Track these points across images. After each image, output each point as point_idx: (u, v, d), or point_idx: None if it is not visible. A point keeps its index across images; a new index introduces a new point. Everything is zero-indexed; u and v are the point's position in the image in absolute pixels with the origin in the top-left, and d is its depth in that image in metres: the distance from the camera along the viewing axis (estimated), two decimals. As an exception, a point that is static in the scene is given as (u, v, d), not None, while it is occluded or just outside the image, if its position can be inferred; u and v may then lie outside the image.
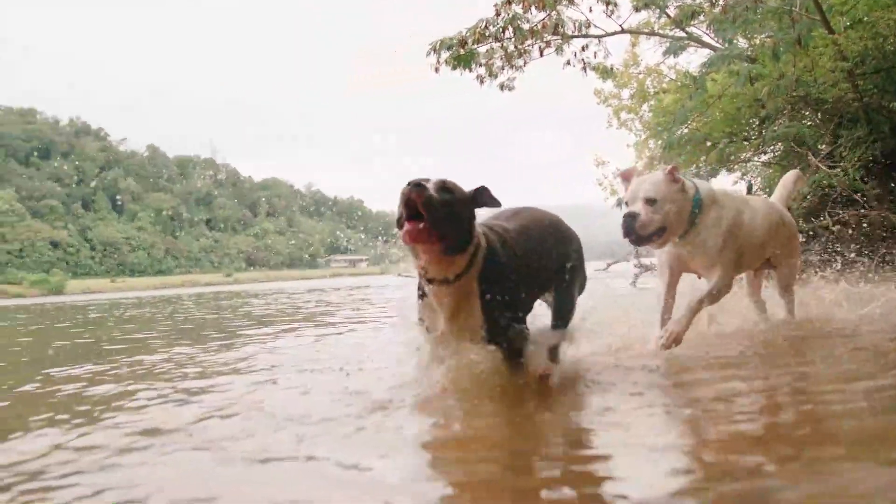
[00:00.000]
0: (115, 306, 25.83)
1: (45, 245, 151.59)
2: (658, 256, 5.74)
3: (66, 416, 4.17)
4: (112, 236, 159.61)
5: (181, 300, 28.58)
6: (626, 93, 25.34)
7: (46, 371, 6.51)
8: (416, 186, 3.56)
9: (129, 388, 5.14)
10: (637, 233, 5.18)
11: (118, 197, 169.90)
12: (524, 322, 4.16)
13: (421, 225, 3.57)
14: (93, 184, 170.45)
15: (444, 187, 3.72)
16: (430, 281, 3.90)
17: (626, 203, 5.29)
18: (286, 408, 3.95)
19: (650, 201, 5.16)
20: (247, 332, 9.80)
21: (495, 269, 3.97)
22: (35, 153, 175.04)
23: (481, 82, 16.80)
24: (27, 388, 5.56)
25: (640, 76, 24.53)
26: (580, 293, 5.01)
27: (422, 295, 4.10)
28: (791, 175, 6.83)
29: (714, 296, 5.35)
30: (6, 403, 4.84)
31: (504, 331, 3.99)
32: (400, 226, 3.67)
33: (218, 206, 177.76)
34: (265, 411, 3.92)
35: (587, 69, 17.34)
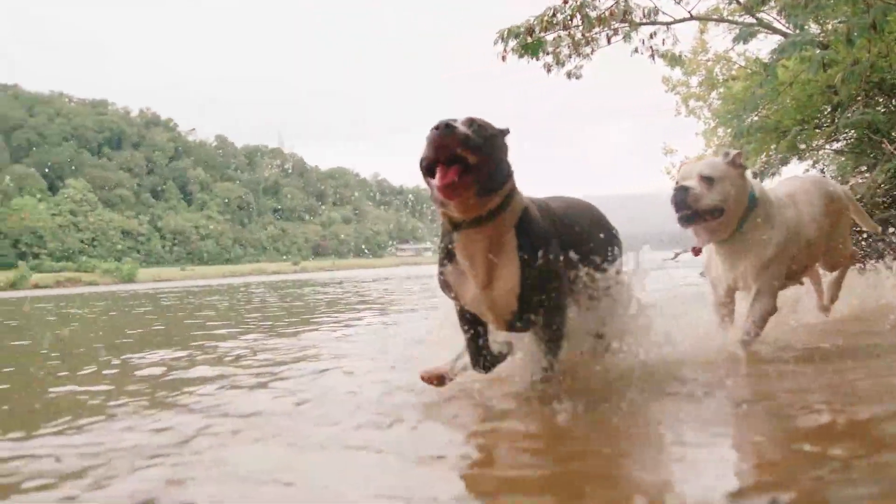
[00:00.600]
0: (187, 294, 26.34)
1: (117, 234, 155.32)
2: (705, 265, 5.19)
3: (144, 402, 4.27)
4: (181, 225, 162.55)
5: (250, 288, 29.01)
6: (694, 80, 24.88)
7: (125, 356, 6.68)
8: (448, 128, 3.10)
9: (206, 373, 5.25)
10: (690, 205, 4.64)
11: (187, 186, 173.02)
12: (564, 311, 3.68)
13: (458, 175, 3.13)
14: (163, 173, 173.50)
15: (475, 122, 3.28)
16: (456, 227, 3.41)
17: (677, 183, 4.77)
18: (351, 396, 3.98)
19: (707, 179, 4.67)
20: (316, 320, 9.93)
21: (533, 223, 3.51)
22: (107, 144, 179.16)
23: (548, 71, 16.68)
24: (107, 372, 5.70)
25: (709, 63, 24.08)
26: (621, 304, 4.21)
27: (447, 258, 3.60)
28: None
29: (760, 325, 4.74)
30: (87, 388, 4.96)
31: (542, 305, 3.52)
32: (430, 174, 3.22)
33: (285, 196, 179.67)
34: (335, 399, 3.96)
35: (655, 57, 17.10)
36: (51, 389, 4.97)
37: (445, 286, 3.68)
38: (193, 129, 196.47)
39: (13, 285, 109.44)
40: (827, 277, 6.03)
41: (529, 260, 3.41)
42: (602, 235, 4.19)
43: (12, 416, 4.15)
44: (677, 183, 4.75)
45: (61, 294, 47.58)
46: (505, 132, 3.47)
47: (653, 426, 3.17)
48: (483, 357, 3.79)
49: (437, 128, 3.12)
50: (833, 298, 5.90)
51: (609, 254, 4.11)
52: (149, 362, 6.14)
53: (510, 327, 3.68)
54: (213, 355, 6.39)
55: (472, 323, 3.77)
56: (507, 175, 3.41)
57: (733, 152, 4.85)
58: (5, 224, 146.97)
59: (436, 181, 3.15)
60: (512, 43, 16.02)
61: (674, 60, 17.54)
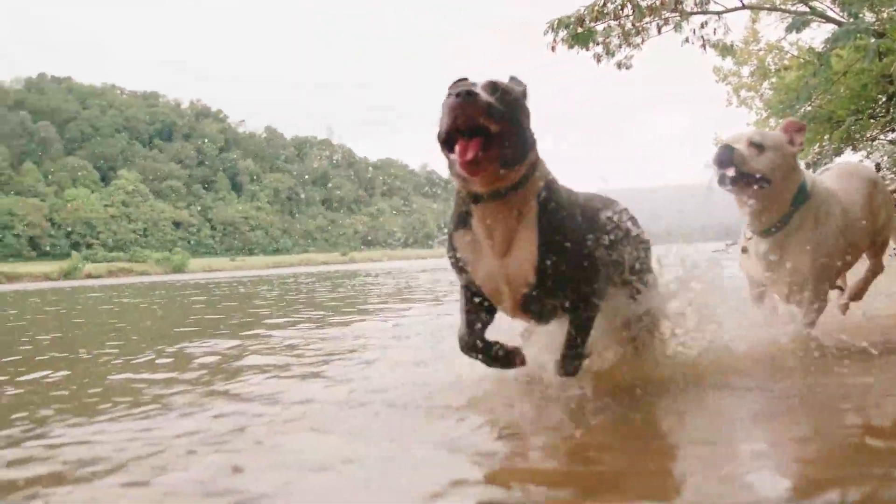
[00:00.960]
0: (237, 284, 26.61)
1: (168, 224, 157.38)
2: (741, 261, 4.84)
3: (200, 390, 4.33)
4: (231, 216, 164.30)
5: (299, 279, 29.22)
6: (745, 70, 24.63)
7: (180, 345, 6.78)
8: (469, 95, 2.81)
9: (259, 362, 5.30)
10: (735, 163, 4.31)
11: (237, 177, 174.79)
12: (594, 291, 3.33)
13: (481, 148, 2.86)
14: (213, 165, 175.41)
15: (498, 87, 2.98)
16: (476, 199, 3.12)
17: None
18: (400, 387, 3.97)
19: (756, 145, 4.36)
20: (366, 310, 10.00)
21: (557, 194, 3.21)
22: (157, 135, 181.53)
23: (598, 61, 16.65)
24: (162, 361, 5.79)
25: (761, 53, 23.79)
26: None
27: (461, 223, 3.27)
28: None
29: (811, 327, 4.43)
30: (143, 376, 5.04)
31: (565, 282, 3.20)
32: (448, 147, 2.97)
33: (334, 187, 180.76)
34: (384, 389, 3.96)
35: (706, 46, 16.93)
36: (108, 377, 5.06)
37: (457, 261, 3.32)
38: (243, 120, 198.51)
39: (67, 275, 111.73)
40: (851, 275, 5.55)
41: (551, 230, 3.11)
42: (629, 233, 3.74)
43: (72, 402, 4.21)
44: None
45: (114, 284, 48.31)
46: (525, 92, 3.20)
47: (704, 422, 3.13)
48: (475, 340, 3.37)
49: (456, 94, 2.82)
50: (858, 296, 5.42)
51: (634, 248, 3.74)
52: (203, 351, 6.22)
53: (526, 309, 3.31)
54: (265, 345, 6.45)
55: (475, 307, 3.42)
56: (532, 143, 3.12)
57: (793, 121, 4.55)
58: (59, 215, 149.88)
59: (456, 156, 2.87)
60: (562, 33, 15.98)
61: (725, 50, 17.35)
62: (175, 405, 3.87)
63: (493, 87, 2.97)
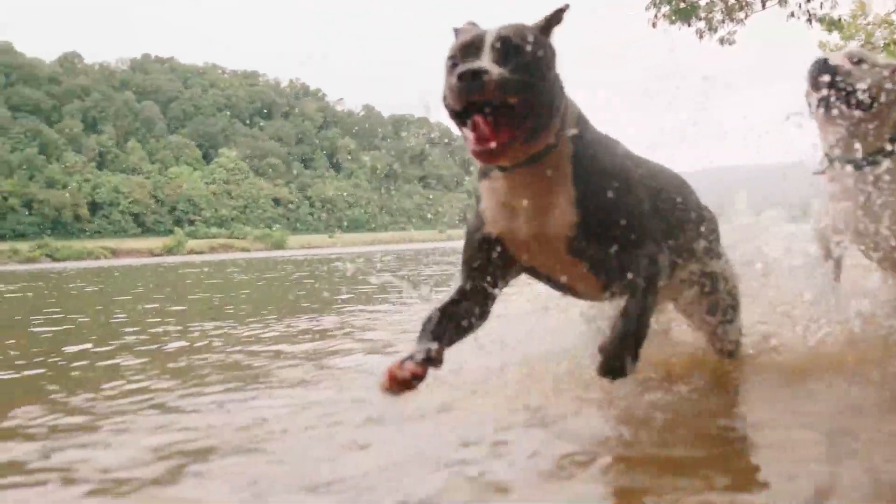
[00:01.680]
0: (334, 260, 26.86)
1: (268, 202, 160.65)
2: (817, 216, 4.07)
3: (309, 366, 4.29)
4: (329, 193, 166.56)
5: (404, 255, 29.36)
6: (853, 45, 23.73)
7: (288, 319, 6.80)
8: (476, 77, 2.35)
9: (383, 337, 5.34)
10: (834, 69, 3.70)
11: (335, 155, 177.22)
12: (651, 245, 2.74)
13: (497, 129, 2.44)
14: (311, 143, 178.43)
15: (511, 44, 2.49)
16: (502, 168, 2.68)
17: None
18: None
19: (856, 60, 3.77)
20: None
21: (596, 145, 2.78)
22: (258, 114, 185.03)
23: (700, 37, 16.18)
24: (269, 333, 5.82)
25: (870, 27, 22.86)
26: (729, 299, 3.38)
27: (484, 174, 2.81)
28: None
29: None
30: (247, 350, 5.05)
31: (612, 241, 2.68)
32: (461, 120, 2.51)
33: (431, 164, 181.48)
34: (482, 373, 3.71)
35: (812, 21, 16.30)
36: (228, 349, 5.13)
37: (479, 215, 2.83)
38: (341, 98, 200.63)
39: (170, 251, 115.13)
40: None
41: (589, 183, 2.68)
42: (690, 206, 3.26)
43: (191, 374, 4.23)
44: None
45: (216, 259, 49.48)
46: (551, 24, 2.67)
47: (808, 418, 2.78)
48: (435, 314, 2.78)
49: (460, 77, 2.36)
50: None
51: (699, 225, 3.26)
52: (320, 327, 6.24)
53: (578, 254, 2.74)
54: (383, 320, 6.47)
55: (472, 284, 2.87)
56: (559, 98, 2.62)
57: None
58: (163, 192, 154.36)
59: (469, 141, 2.46)
60: (664, 9, 15.59)
61: (832, 25, 16.72)
62: (275, 388, 3.83)
63: (505, 45, 2.48)
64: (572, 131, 2.69)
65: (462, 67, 2.38)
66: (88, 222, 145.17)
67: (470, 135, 2.45)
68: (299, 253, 58.04)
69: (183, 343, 5.62)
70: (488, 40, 2.50)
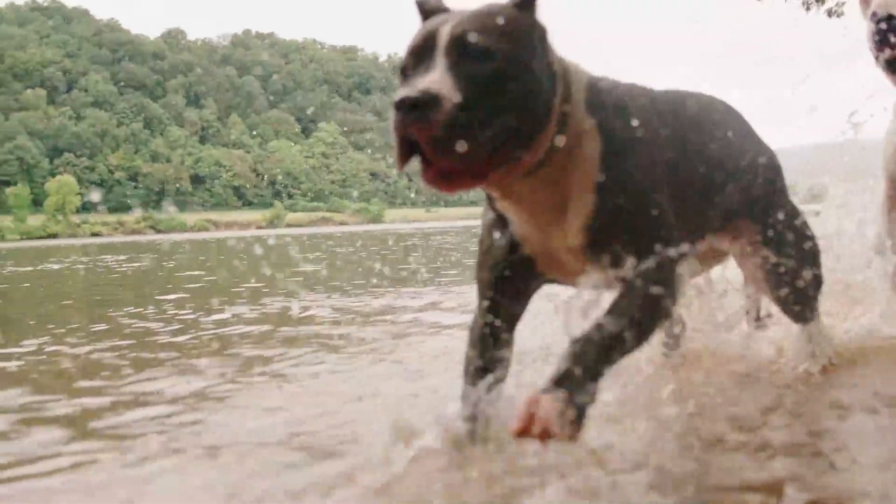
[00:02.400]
0: (433, 234, 26.88)
1: (366, 175, 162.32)
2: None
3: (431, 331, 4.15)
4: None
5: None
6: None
7: (404, 289, 6.67)
8: (414, 110, 1.77)
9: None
10: None
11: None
12: (669, 243, 2.10)
13: (453, 162, 1.82)
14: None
15: (475, 47, 1.85)
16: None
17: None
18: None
19: None
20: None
21: (614, 125, 2.13)
22: (356, 88, 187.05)
23: (808, 9, 15.47)
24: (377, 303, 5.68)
25: None
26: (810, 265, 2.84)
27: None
28: None
29: None
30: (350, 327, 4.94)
31: (629, 239, 2.08)
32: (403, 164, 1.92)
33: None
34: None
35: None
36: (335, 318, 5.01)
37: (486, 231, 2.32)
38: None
39: (270, 223, 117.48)
40: None
41: (614, 177, 2.09)
42: (746, 148, 2.74)
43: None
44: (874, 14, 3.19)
45: (315, 233, 50.28)
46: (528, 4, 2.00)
47: None
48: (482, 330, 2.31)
49: (398, 105, 1.79)
50: None
51: (761, 177, 2.76)
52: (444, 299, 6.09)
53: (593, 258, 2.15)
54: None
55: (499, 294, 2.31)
56: (550, 96, 2.00)
57: None
58: (263, 166, 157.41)
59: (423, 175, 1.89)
60: (770, -19, 14.96)
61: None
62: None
63: (463, 47, 1.86)
64: (586, 123, 2.08)
65: (400, 92, 1.79)
66: (191, 195, 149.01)
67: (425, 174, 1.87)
68: (398, 227, 58.54)
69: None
70: (442, 39, 1.87)
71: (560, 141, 2.01)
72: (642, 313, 1.97)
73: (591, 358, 1.84)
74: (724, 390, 2.65)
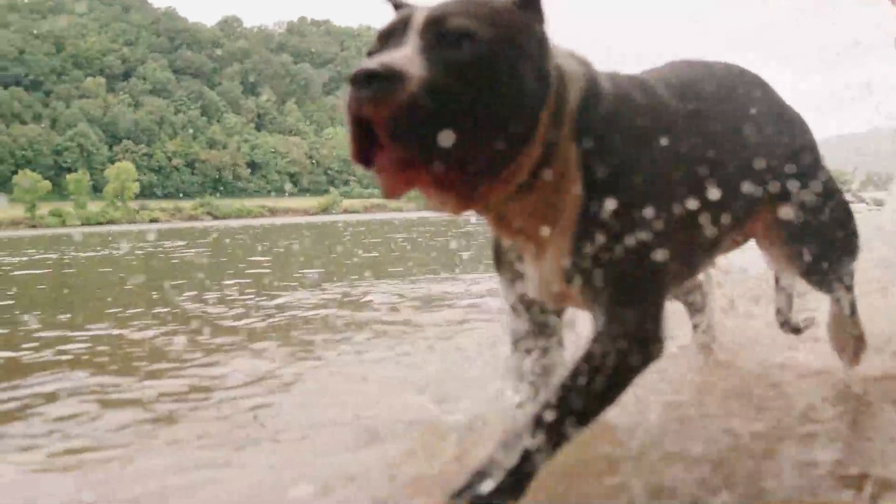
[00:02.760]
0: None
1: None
2: None
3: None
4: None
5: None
6: None
7: (464, 274, 6.66)
8: (373, 77, 1.49)
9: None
10: None
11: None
12: (653, 288, 1.86)
13: (414, 161, 1.55)
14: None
15: (455, 30, 1.59)
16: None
17: None
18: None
19: None
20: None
21: (609, 157, 1.82)
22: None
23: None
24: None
25: None
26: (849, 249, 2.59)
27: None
28: None
29: None
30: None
31: (607, 290, 1.80)
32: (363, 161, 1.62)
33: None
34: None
35: None
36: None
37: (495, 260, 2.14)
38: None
39: (325, 210, 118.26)
40: None
41: (599, 209, 1.78)
42: (773, 126, 2.41)
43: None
44: None
45: (371, 219, 50.48)
46: None
47: None
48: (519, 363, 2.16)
49: (353, 79, 1.51)
50: None
51: (792, 155, 2.43)
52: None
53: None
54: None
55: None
56: (534, 107, 1.69)
57: None
58: (318, 153, 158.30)
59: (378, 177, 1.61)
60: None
61: None
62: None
63: (441, 30, 1.60)
64: (571, 152, 1.78)
65: (361, 64, 1.52)
66: (247, 181, 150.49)
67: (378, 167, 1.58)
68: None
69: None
70: (418, 20, 1.63)
71: (547, 175, 1.75)
72: (608, 378, 1.71)
73: (529, 456, 1.59)
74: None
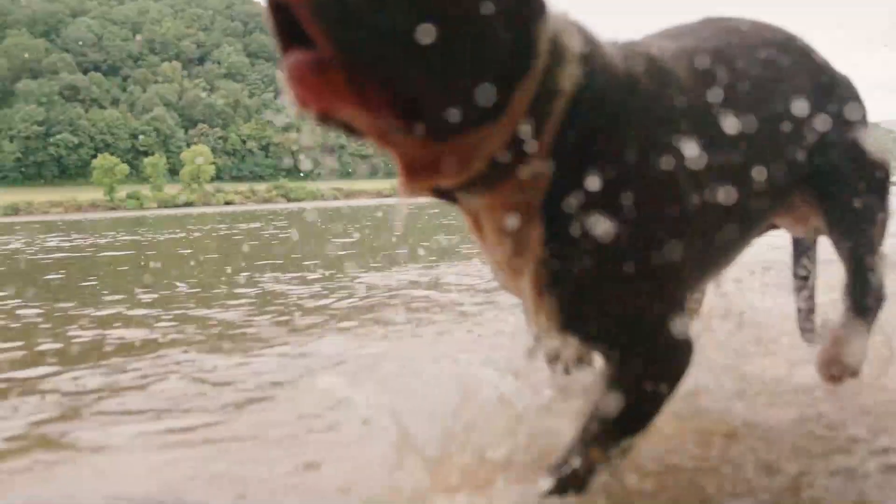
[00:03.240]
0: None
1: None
2: None
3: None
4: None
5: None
6: None
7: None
8: None
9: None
10: None
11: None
12: (674, 305, 1.59)
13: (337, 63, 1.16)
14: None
15: None
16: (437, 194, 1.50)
17: None
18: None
19: None
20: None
21: (611, 141, 1.47)
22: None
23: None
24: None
25: None
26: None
27: None
28: None
29: None
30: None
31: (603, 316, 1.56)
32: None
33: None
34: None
35: None
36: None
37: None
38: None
39: (397, 192, 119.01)
40: None
41: (577, 223, 1.45)
42: (807, 84, 2.03)
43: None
44: None
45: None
46: None
47: None
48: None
49: None
50: None
51: (829, 115, 2.03)
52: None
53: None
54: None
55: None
56: (508, 65, 1.33)
57: None
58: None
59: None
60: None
61: None
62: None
63: None
64: (545, 167, 1.43)
65: None
66: (320, 164, 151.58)
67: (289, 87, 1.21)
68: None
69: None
70: None
71: (516, 175, 1.42)
72: (638, 401, 1.58)
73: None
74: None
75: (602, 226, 1.42)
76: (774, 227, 2.30)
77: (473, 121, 1.30)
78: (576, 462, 1.55)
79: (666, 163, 1.51)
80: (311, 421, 2.35)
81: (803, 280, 2.59)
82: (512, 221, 1.46)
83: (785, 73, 1.98)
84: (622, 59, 1.53)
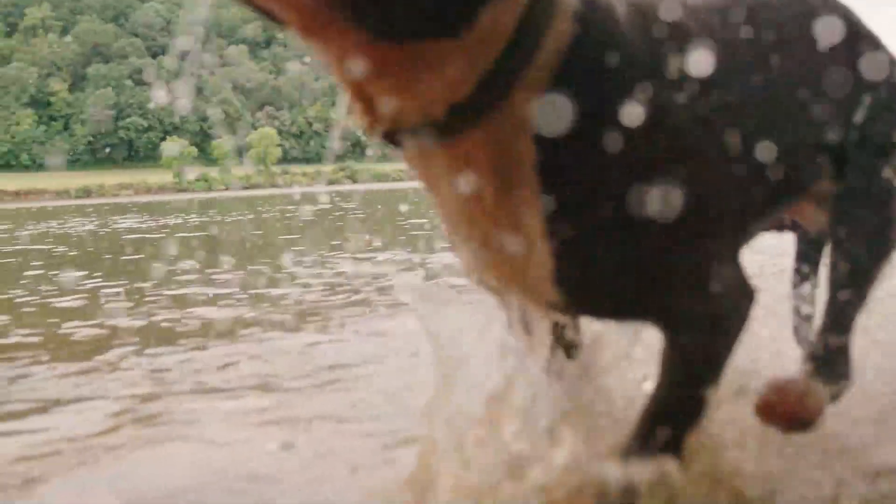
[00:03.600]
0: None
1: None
2: None
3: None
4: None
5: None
6: None
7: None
8: None
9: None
10: None
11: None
12: (720, 257, 1.37)
13: None
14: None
15: None
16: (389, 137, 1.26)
17: None
18: None
19: None
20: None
21: (602, 75, 1.17)
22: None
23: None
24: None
25: None
26: None
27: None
28: None
29: None
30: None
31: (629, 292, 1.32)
32: None
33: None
34: None
35: None
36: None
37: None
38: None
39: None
40: None
41: (584, 177, 1.21)
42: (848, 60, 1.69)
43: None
44: None
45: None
46: None
47: None
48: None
49: None
50: None
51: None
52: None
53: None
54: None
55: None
56: None
57: None
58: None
59: None
60: None
61: None
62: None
63: None
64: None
65: None
66: (384, 146, 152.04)
67: None
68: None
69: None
70: None
71: (491, 121, 1.14)
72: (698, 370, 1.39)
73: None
74: None
75: (625, 180, 1.19)
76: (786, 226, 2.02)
77: (428, 26, 1.02)
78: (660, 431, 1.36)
79: (701, 106, 1.29)
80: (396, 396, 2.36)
81: (804, 279, 2.18)
82: (495, 185, 1.19)
83: (820, 38, 1.62)
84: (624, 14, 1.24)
